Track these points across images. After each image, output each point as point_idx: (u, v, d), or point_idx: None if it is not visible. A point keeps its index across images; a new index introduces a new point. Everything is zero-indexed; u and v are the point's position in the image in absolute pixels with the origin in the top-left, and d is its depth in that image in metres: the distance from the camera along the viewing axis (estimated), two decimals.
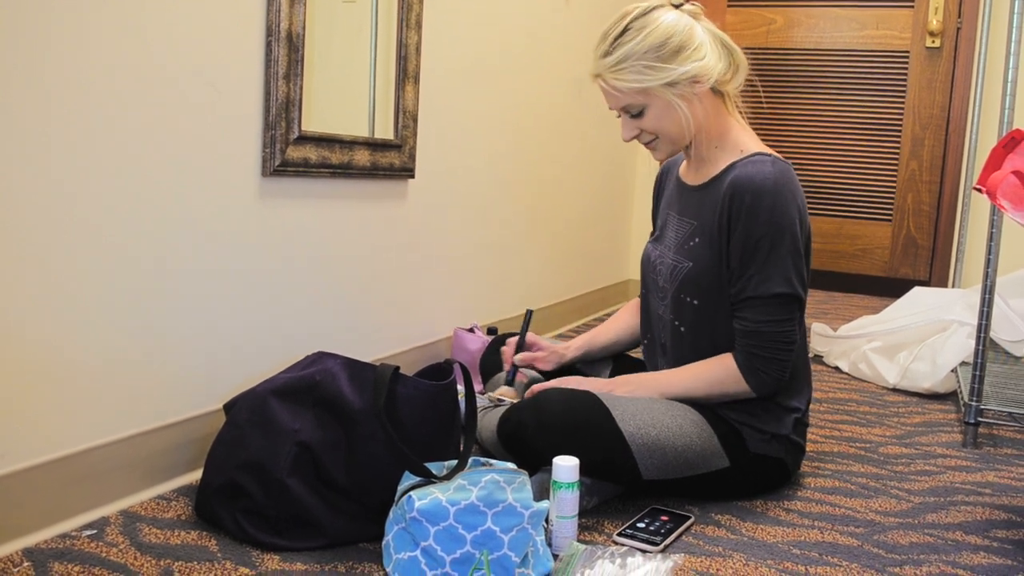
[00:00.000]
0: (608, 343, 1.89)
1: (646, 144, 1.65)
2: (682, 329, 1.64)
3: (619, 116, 1.63)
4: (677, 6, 1.58)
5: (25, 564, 1.23)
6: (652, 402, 1.57)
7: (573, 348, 1.86)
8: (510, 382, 1.80)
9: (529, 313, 1.90)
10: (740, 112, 1.67)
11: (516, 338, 1.85)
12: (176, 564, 1.25)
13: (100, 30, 1.33)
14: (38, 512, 1.32)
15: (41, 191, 1.27)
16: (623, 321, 1.90)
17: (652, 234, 1.81)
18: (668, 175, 1.82)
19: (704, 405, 1.60)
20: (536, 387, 1.61)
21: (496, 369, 1.93)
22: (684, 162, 1.76)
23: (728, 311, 1.59)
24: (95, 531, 1.34)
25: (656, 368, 1.74)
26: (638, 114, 1.59)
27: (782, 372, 1.56)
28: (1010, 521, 1.59)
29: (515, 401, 1.70)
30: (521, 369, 1.82)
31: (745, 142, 1.62)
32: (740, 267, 1.54)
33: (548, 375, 1.83)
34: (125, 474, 1.46)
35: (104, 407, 1.42)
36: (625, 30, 1.55)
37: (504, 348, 1.87)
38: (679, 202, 1.71)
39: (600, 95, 1.63)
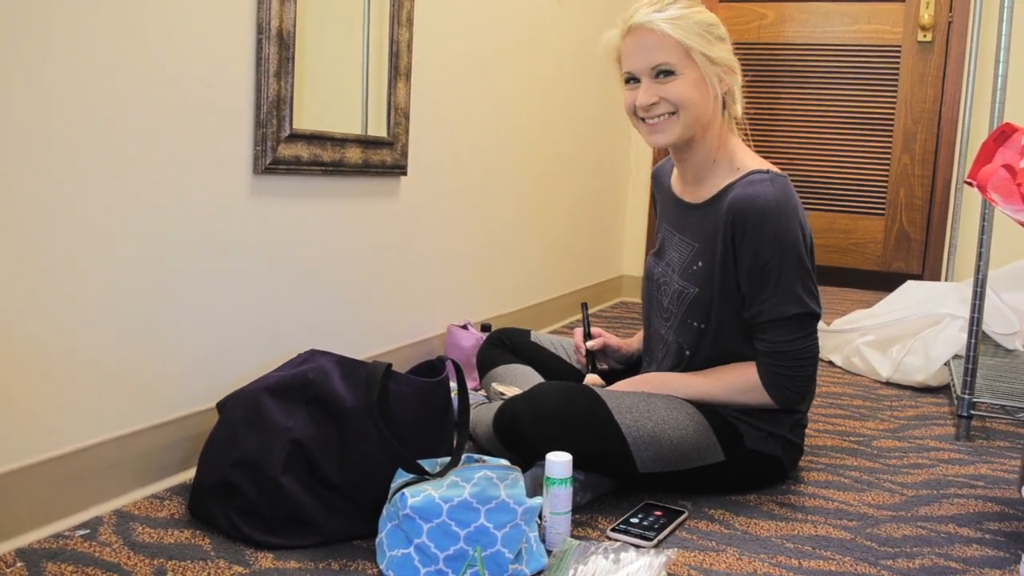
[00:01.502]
0: None
1: (656, 121, 1.57)
2: (687, 352, 1.65)
3: (632, 83, 1.58)
4: None
5: (18, 564, 1.22)
6: (648, 396, 1.58)
7: (636, 340, 1.90)
8: (594, 370, 1.84)
9: (584, 306, 1.99)
10: (736, 130, 1.66)
11: (581, 329, 1.89)
12: (170, 563, 1.25)
13: (93, 29, 1.32)
14: (31, 512, 1.32)
15: (33, 189, 1.27)
16: None
17: (654, 248, 1.80)
18: (659, 184, 1.81)
19: None
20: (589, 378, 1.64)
21: (492, 364, 1.93)
22: (674, 174, 1.75)
23: (732, 333, 1.60)
24: (88, 531, 1.34)
25: None
26: (667, 75, 1.54)
27: (805, 386, 1.57)
28: (1002, 513, 1.59)
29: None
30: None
31: (742, 159, 1.61)
32: (751, 292, 1.54)
33: (613, 377, 1.84)
34: (118, 474, 1.45)
35: (97, 406, 1.42)
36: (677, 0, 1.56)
37: (576, 340, 1.90)
38: (678, 220, 1.70)
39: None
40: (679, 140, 1.58)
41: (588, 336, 1.87)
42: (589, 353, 1.85)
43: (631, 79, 1.59)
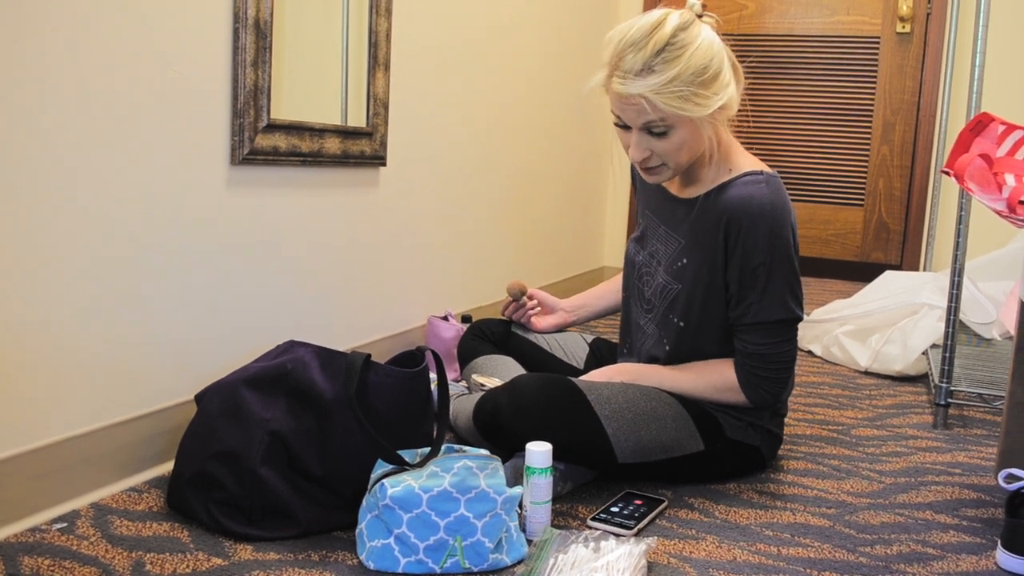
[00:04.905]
0: (600, 312, 2.01)
1: (649, 167, 1.54)
2: (667, 347, 1.65)
3: (620, 126, 1.52)
4: (699, 16, 1.49)
5: None
6: (627, 387, 1.58)
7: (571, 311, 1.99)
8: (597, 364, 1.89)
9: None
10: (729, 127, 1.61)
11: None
12: (148, 556, 1.24)
13: (68, 18, 1.31)
14: (7, 506, 1.30)
15: (6, 181, 1.25)
16: (614, 294, 1.98)
17: (635, 232, 1.78)
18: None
19: None
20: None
21: (472, 355, 1.92)
22: None
23: (712, 333, 1.60)
24: (65, 524, 1.33)
25: None
26: (660, 134, 1.48)
27: (781, 388, 1.58)
28: (979, 500, 1.61)
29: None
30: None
31: (736, 159, 1.58)
32: (739, 293, 1.54)
33: (590, 365, 1.89)
34: (96, 466, 1.44)
35: (74, 399, 1.40)
36: (668, 45, 1.42)
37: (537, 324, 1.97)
38: (663, 211, 1.67)
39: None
40: (671, 179, 1.58)
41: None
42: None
43: (622, 124, 1.52)
